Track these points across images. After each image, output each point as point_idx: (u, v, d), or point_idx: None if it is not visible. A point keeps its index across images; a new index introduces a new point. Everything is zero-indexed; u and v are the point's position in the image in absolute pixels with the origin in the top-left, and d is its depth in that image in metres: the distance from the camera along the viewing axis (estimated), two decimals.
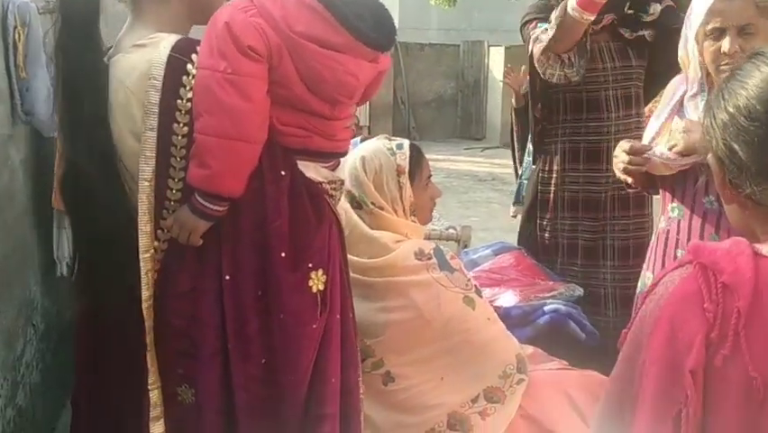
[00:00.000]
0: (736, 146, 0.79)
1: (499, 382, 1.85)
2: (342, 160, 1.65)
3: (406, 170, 1.92)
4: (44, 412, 1.80)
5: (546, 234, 2.51)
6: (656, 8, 2.28)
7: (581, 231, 2.43)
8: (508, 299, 2.24)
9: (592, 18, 2.14)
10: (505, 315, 2.10)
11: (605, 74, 2.34)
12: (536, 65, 2.34)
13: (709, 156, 0.86)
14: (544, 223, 2.51)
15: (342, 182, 1.65)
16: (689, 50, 1.69)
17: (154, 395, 1.44)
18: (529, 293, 2.26)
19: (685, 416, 0.74)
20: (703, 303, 0.76)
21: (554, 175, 2.45)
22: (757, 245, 0.79)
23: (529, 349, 2.06)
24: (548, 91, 2.42)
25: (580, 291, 2.32)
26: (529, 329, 2.15)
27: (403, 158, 1.93)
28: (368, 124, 10.74)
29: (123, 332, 1.46)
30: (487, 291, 2.20)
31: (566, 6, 2.14)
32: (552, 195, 2.47)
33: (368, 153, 1.93)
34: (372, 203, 1.89)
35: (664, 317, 0.78)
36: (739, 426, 0.74)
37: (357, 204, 1.90)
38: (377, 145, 1.96)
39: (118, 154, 1.43)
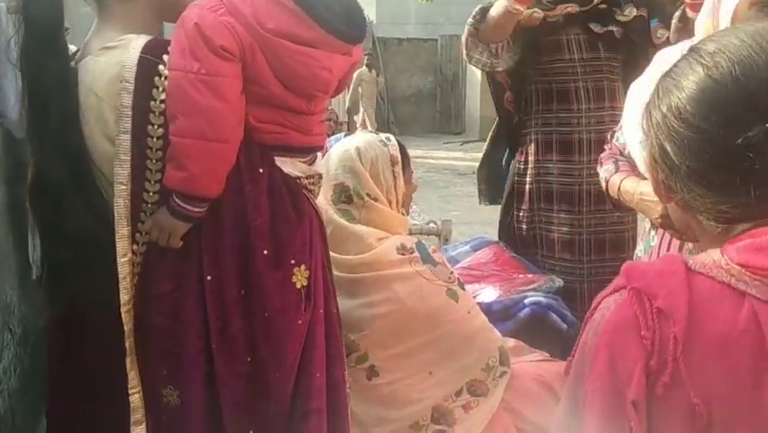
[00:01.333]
0: (667, 146, 0.77)
1: (482, 374, 1.86)
2: (318, 154, 1.66)
3: (399, 160, 1.94)
4: (24, 418, 1.77)
5: (524, 227, 2.51)
6: (631, 11, 2.28)
7: (558, 224, 2.43)
8: (489, 294, 2.25)
9: (522, 9, 2.16)
10: (486, 310, 2.10)
11: (572, 65, 2.34)
12: (463, 47, 2.38)
13: (645, 154, 0.85)
14: (521, 215, 2.51)
15: (320, 176, 1.65)
16: (720, 19, 1.44)
17: (135, 399, 1.43)
18: (509, 287, 2.27)
19: None
20: (640, 330, 0.73)
21: (530, 166, 2.46)
22: (691, 261, 0.77)
23: (511, 342, 2.08)
24: (521, 83, 2.44)
25: (559, 282, 2.33)
26: (510, 323, 2.16)
27: (395, 148, 1.94)
28: (346, 120, 10.72)
29: (99, 338, 1.44)
30: (467, 288, 2.21)
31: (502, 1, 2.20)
32: (528, 186, 2.47)
33: (362, 144, 1.92)
34: (368, 194, 1.88)
35: (602, 347, 0.75)
36: None
37: (346, 198, 1.89)
38: (368, 137, 1.97)
39: (91, 158, 1.41)
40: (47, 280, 1.50)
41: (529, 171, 2.45)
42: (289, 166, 1.52)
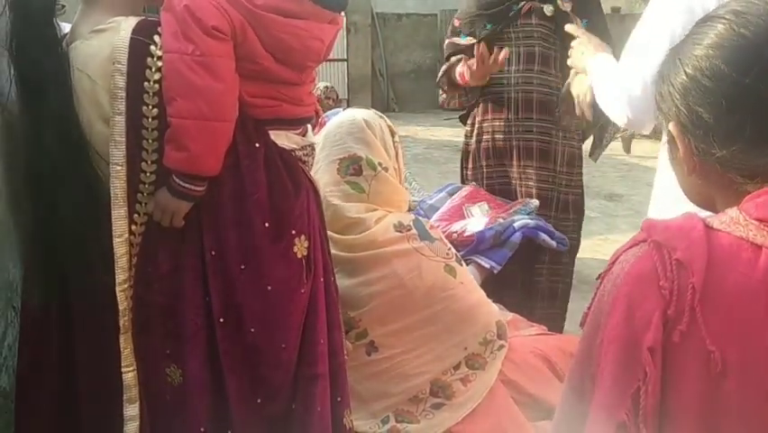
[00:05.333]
0: (701, 110, 0.78)
1: (480, 348, 1.88)
2: (309, 126, 1.69)
3: (396, 131, 1.99)
4: None
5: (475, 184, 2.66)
6: (567, 5, 2.39)
7: (496, 177, 2.58)
8: (477, 223, 2.30)
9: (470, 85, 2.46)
10: (480, 239, 2.17)
11: (506, 32, 2.47)
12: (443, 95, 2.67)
13: (671, 125, 0.84)
14: (468, 174, 2.66)
15: (314, 147, 1.67)
16: None
17: (129, 377, 1.44)
18: (493, 216, 2.33)
19: (644, 393, 0.75)
20: (659, 281, 0.76)
21: (475, 129, 2.61)
22: (708, 219, 0.79)
23: (509, 316, 2.10)
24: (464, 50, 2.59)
25: (535, 203, 2.40)
26: (506, 250, 2.22)
27: (388, 120, 2.00)
28: (347, 97, 10.67)
29: (94, 318, 1.45)
30: (457, 226, 2.28)
31: (451, 68, 2.53)
32: (472, 147, 2.63)
33: (367, 117, 1.96)
34: (379, 163, 1.90)
35: (621, 297, 0.78)
36: (699, 399, 0.75)
37: (355, 170, 1.90)
38: (364, 111, 2.01)
39: (88, 141, 1.41)
40: (43, 264, 1.49)
41: (474, 133, 2.62)
42: (284, 139, 1.54)
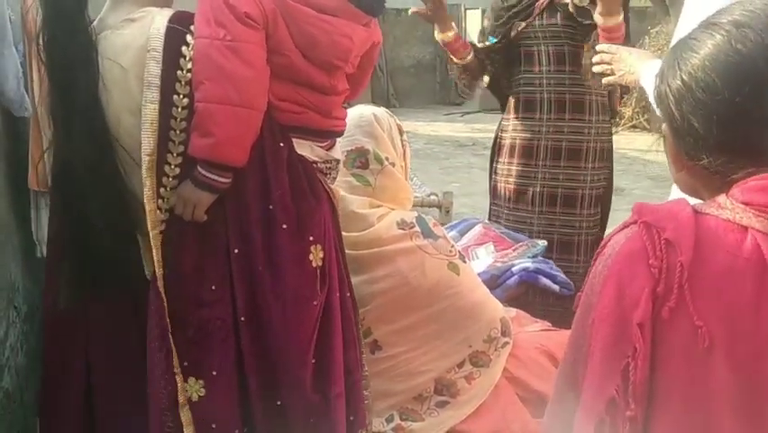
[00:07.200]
0: (693, 119, 0.79)
1: (484, 346, 1.88)
2: (337, 140, 1.65)
3: (403, 129, 1.99)
4: (32, 395, 1.79)
5: (497, 179, 2.67)
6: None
7: (516, 176, 2.59)
8: (479, 265, 2.28)
9: (466, 61, 2.52)
10: None
11: (534, 31, 2.49)
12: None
13: (664, 126, 0.86)
14: (497, 167, 2.67)
15: (338, 162, 1.64)
16: None
17: (180, 379, 1.41)
18: (495, 260, 2.31)
19: (633, 368, 0.77)
20: (648, 259, 0.78)
21: (509, 124, 2.63)
22: (697, 205, 0.81)
23: (513, 312, 2.09)
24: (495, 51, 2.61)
25: (542, 243, 2.38)
26: (499, 291, 2.18)
27: (398, 119, 2.00)
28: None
29: (126, 319, 1.44)
30: None
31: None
32: (503, 142, 2.65)
33: (377, 112, 1.96)
34: (386, 158, 1.90)
35: (612, 276, 0.80)
36: (687, 375, 0.77)
37: (362, 163, 1.89)
38: (374, 107, 2.01)
39: (114, 134, 1.40)
40: (66, 264, 1.47)
41: (508, 128, 2.63)
42: (307, 150, 1.51)
